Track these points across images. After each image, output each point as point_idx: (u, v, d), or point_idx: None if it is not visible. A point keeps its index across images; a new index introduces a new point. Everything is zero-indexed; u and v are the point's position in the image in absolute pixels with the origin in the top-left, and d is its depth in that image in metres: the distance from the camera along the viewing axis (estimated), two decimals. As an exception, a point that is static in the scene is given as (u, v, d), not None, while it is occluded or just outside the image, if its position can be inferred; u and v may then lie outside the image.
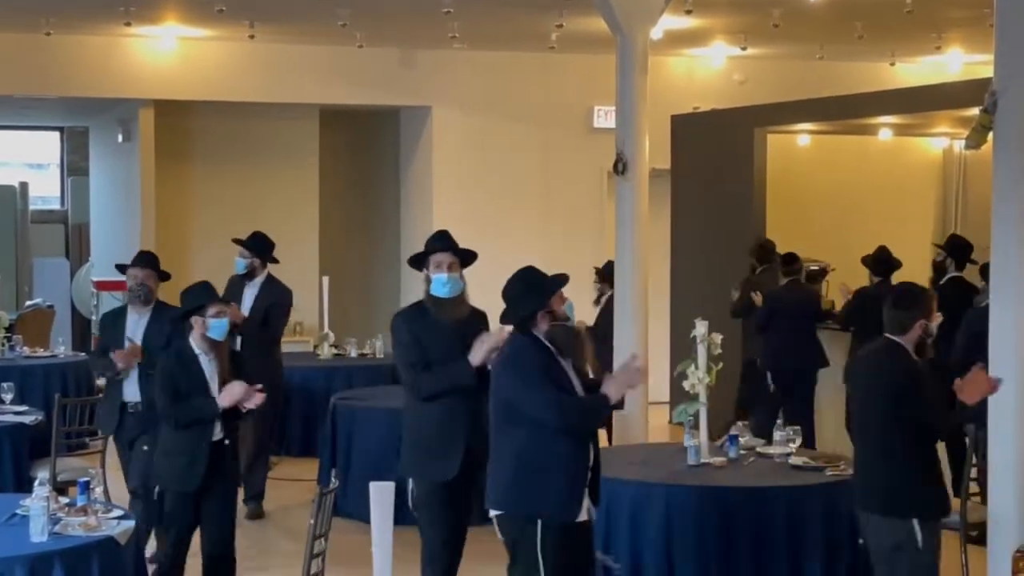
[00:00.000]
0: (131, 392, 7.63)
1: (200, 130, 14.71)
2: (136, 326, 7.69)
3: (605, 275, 10.91)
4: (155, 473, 6.48)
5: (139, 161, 14.01)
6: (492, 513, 5.47)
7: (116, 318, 7.85)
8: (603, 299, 11.02)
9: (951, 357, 8.17)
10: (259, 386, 6.37)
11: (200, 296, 6.45)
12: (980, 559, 6.65)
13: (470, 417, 6.11)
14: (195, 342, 6.39)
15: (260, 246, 9.67)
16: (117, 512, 5.64)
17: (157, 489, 6.40)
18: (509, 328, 5.62)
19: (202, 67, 13.67)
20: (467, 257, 6.46)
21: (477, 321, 6.36)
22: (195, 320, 6.36)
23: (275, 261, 9.80)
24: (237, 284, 9.64)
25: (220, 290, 7.06)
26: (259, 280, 9.61)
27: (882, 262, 10.60)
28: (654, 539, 6.28)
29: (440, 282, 6.24)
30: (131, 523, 5.52)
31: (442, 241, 6.43)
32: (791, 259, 11.04)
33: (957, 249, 9.95)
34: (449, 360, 6.13)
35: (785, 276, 10.99)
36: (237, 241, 9.75)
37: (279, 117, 14.69)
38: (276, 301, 9.52)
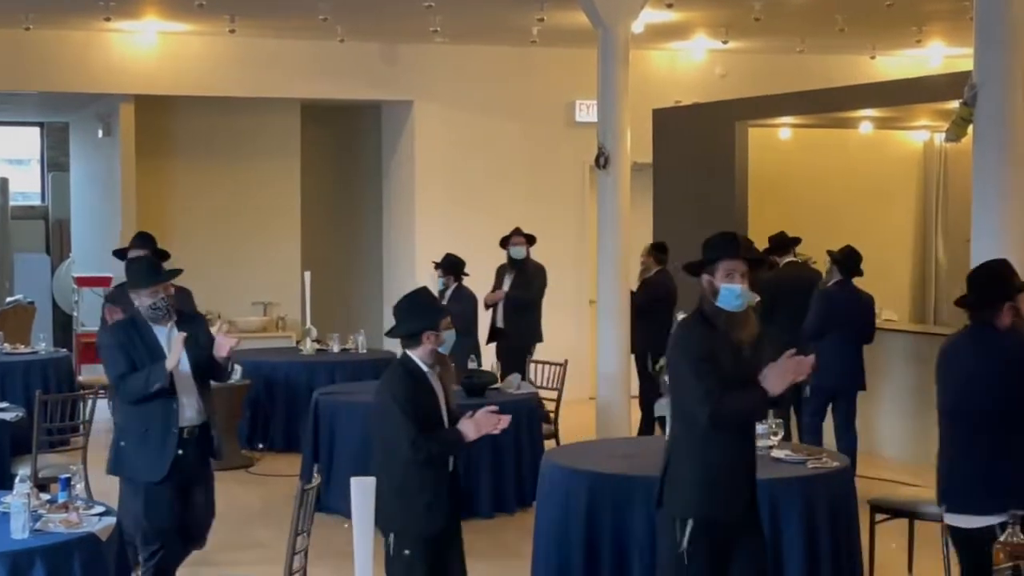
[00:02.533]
0: (189, 415, 6.56)
1: (181, 125, 14.67)
2: (167, 338, 6.73)
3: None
4: (401, 524, 5.55)
5: (120, 156, 13.97)
6: None
7: (131, 331, 6.69)
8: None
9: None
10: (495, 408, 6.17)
11: (431, 313, 5.80)
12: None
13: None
14: (422, 357, 5.71)
15: None
16: (98, 509, 5.63)
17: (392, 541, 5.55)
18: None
19: (182, 62, 13.62)
20: (755, 265, 5.50)
21: (762, 341, 5.39)
22: (427, 336, 5.70)
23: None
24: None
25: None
26: None
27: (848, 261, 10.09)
28: (638, 532, 6.28)
29: (733, 293, 5.16)
30: (112, 519, 5.50)
31: (733, 246, 5.34)
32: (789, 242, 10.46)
33: (849, 259, 9.62)
34: (740, 383, 5.10)
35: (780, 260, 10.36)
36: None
37: (260, 112, 14.66)
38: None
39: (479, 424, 5.77)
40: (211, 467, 6.78)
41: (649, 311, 10.67)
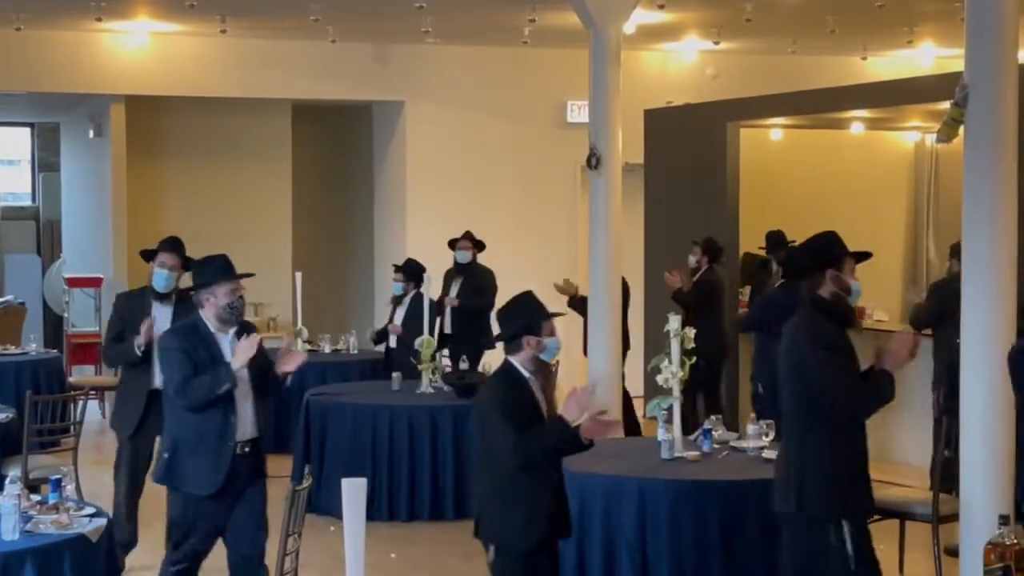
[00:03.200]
0: (244, 428, 6.31)
1: (172, 125, 14.65)
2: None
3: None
4: None
5: (110, 157, 13.94)
6: None
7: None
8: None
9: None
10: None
11: (532, 317, 5.51)
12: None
13: None
14: (523, 363, 5.41)
15: None
16: (89, 510, 5.62)
17: None
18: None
19: (173, 62, 13.60)
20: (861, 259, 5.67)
21: None
22: (528, 341, 5.40)
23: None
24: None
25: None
26: None
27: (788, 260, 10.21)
28: (628, 533, 6.28)
29: (858, 288, 5.47)
30: (103, 520, 5.49)
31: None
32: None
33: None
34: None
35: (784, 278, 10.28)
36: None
37: (251, 112, 14.64)
38: None
39: (579, 401, 5.25)
40: (264, 484, 6.30)
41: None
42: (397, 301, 11.02)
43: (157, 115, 14.51)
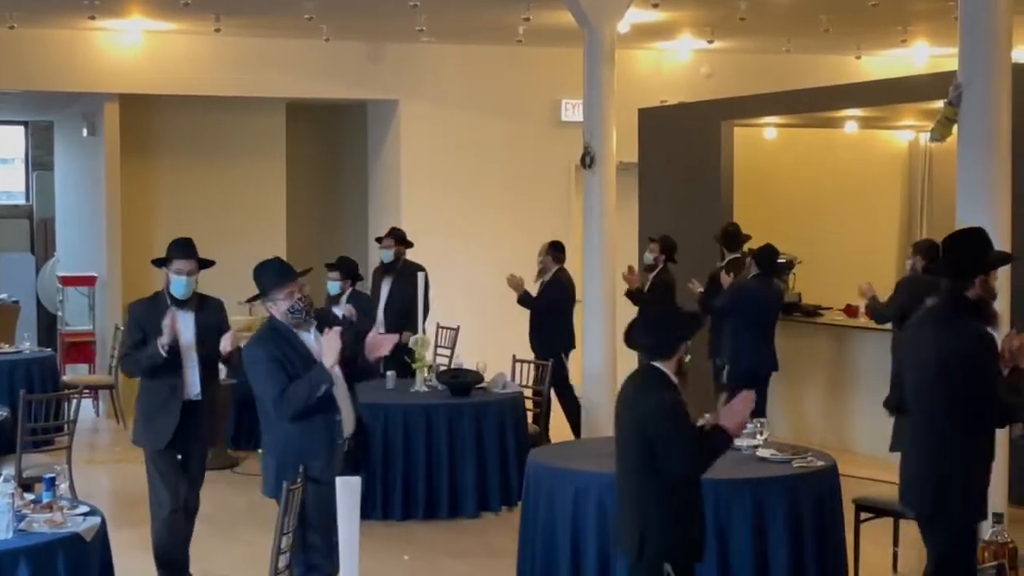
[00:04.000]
0: (347, 426, 6.21)
1: (166, 124, 14.64)
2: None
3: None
4: None
5: (104, 155, 13.92)
6: None
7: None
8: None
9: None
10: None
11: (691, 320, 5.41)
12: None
13: None
14: (671, 370, 5.15)
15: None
16: (83, 508, 5.61)
17: None
18: None
19: (167, 61, 13.59)
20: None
21: None
22: (684, 347, 5.22)
23: None
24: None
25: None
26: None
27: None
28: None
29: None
30: (97, 519, 5.49)
31: None
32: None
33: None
34: None
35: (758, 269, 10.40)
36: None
37: (245, 111, 14.63)
38: None
39: (740, 410, 5.04)
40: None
41: (550, 312, 10.83)
42: (334, 300, 10.51)
43: (151, 114, 14.50)
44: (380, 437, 9.03)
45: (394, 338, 6.38)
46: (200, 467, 7.21)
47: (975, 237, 5.33)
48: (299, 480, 5.60)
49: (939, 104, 6.59)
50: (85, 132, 14.68)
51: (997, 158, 6.36)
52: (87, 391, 13.15)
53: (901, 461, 5.53)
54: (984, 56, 6.35)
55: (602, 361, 10.28)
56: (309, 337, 6.02)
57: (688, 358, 5.22)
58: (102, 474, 10.96)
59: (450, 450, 9.04)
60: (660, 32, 13.52)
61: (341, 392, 6.01)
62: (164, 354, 6.89)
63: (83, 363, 14.07)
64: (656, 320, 5.28)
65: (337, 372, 5.92)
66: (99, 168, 14.15)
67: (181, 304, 7.05)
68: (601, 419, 10.19)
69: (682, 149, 12.95)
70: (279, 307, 6.01)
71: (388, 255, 11.24)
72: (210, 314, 7.15)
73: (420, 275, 10.46)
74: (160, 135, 14.65)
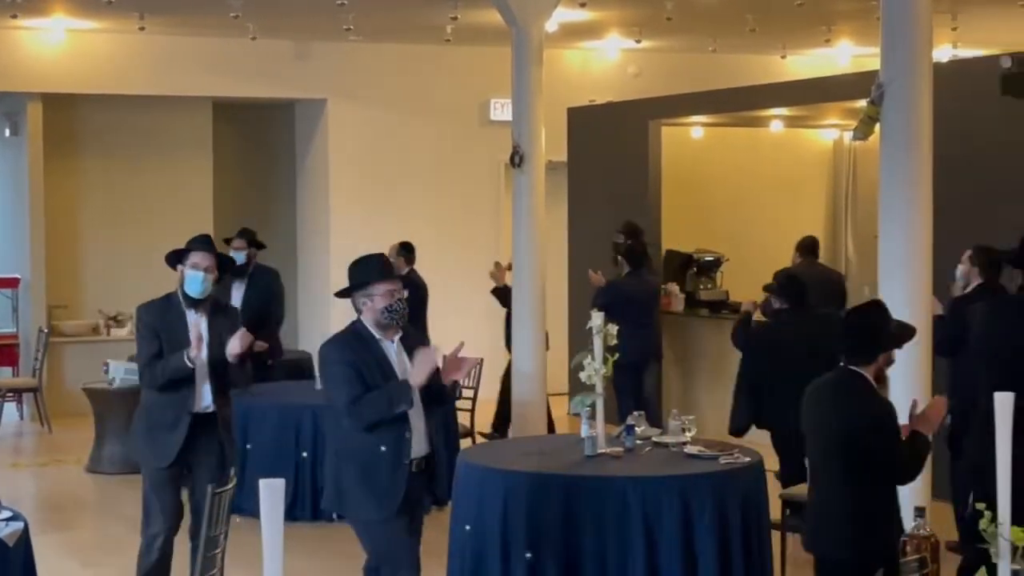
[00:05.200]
0: (418, 445, 5.81)
1: (90, 124, 14.46)
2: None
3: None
4: None
5: (27, 156, 13.73)
6: None
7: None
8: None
9: None
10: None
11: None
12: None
13: None
14: (872, 375, 5.16)
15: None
16: (6, 514, 5.53)
17: None
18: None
19: (91, 60, 13.45)
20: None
21: None
22: (885, 356, 5.18)
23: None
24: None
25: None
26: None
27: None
28: (552, 530, 6.29)
29: None
30: (20, 524, 5.41)
31: None
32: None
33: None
34: None
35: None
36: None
37: (171, 110, 14.49)
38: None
39: (930, 417, 5.08)
40: (428, 510, 6.04)
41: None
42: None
43: (75, 113, 14.32)
44: (310, 438, 8.99)
45: (474, 361, 5.95)
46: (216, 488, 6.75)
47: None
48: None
49: (862, 103, 6.66)
50: (8, 132, 14.46)
51: (918, 156, 6.44)
52: (10, 394, 13.01)
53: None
54: (905, 55, 6.42)
55: (532, 361, 10.30)
56: (391, 347, 5.60)
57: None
58: (26, 478, 10.82)
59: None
60: (588, 32, 13.57)
61: (415, 408, 5.61)
62: (191, 366, 6.31)
63: (6, 366, 13.87)
64: (860, 325, 5.22)
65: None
66: (22, 168, 13.95)
67: (195, 304, 6.46)
68: (532, 418, 10.21)
69: (611, 148, 13.01)
70: (375, 304, 5.54)
71: (240, 257, 10.41)
72: (226, 319, 6.59)
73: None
74: (84, 135, 14.48)
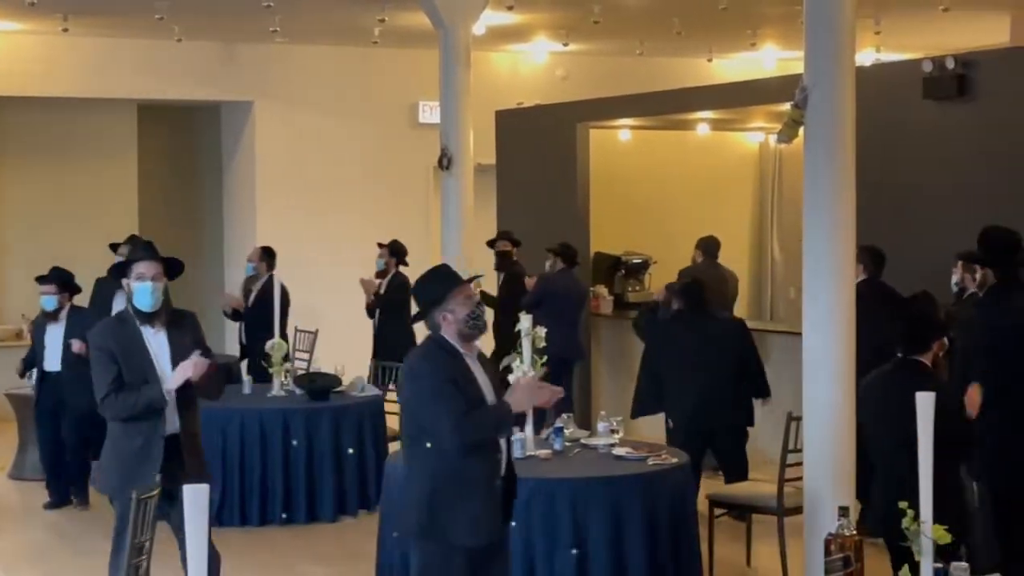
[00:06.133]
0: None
1: (11, 126, 14.26)
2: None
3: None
4: None
5: (-52, 158, 13.54)
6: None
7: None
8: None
9: None
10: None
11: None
12: (798, 543, 6.84)
13: None
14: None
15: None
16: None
17: None
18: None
19: (14, 62, 13.26)
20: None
21: None
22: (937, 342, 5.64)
23: None
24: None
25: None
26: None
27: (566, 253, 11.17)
28: (481, 533, 6.28)
29: None
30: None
31: None
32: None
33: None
34: None
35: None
36: None
37: (95, 113, 14.33)
38: None
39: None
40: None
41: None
42: (51, 317, 9.53)
43: (-3, 115, 14.13)
44: (237, 442, 8.93)
45: (557, 392, 5.29)
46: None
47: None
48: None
49: (787, 106, 6.71)
50: (-73, 134, 14.25)
51: (842, 159, 6.50)
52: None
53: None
54: (828, 59, 6.49)
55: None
56: (474, 361, 5.13)
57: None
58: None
59: (308, 455, 8.97)
60: (515, 34, 13.59)
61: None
62: (168, 400, 5.81)
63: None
64: (915, 316, 5.57)
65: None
66: (-58, 171, 13.75)
67: (150, 319, 5.88)
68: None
69: (539, 151, 13.04)
70: (457, 315, 5.05)
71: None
72: (185, 331, 6.00)
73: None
74: (7, 137, 14.27)
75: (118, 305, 9.87)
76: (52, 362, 9.45)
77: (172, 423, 5.90)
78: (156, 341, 5.88)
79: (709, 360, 8.38)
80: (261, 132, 14.30)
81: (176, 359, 5.85)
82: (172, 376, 5.81)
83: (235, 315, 11.43)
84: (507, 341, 11.00)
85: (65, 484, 9.60)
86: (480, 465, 5.01)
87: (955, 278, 7.83)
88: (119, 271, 6.00)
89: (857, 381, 6.18)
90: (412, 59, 14.01)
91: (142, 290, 5.86)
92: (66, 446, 9.51)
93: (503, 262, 11.70)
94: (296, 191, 14.31)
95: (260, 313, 10.51)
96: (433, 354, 5.05)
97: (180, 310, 6.06)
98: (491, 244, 11.80)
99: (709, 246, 11.28)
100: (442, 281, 5.15)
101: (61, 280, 9.47)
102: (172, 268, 6.01)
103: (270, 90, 14.24)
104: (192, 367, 5.79)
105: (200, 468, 6.03)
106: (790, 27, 12.24)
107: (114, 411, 5.84)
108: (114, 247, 10.29)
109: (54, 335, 9.41)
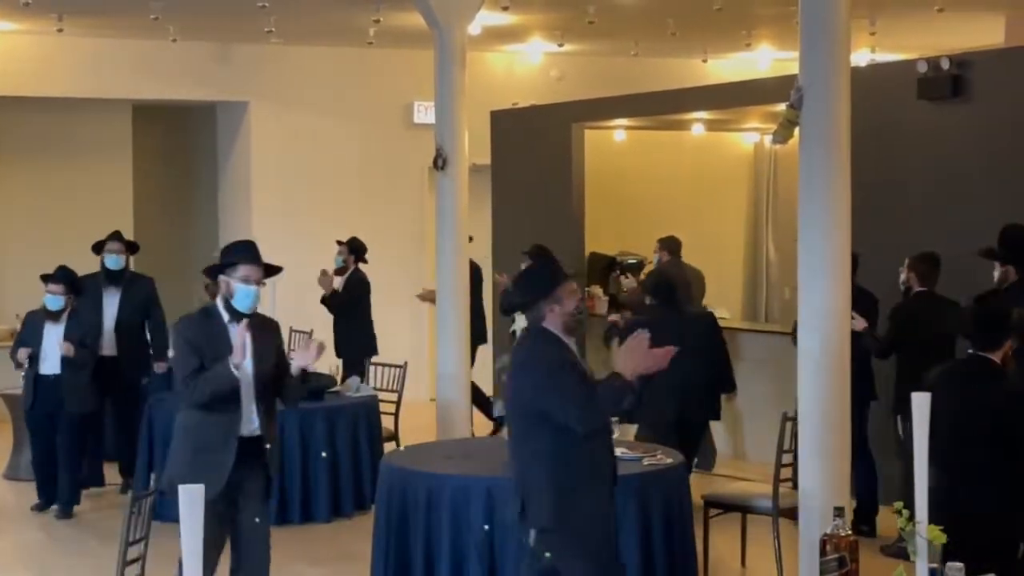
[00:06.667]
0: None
1: (6, 127, 14.25)
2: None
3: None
4: None
5: (-57, 159, 13.52)
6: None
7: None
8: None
9: None
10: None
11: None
12: (792, 543, 6.84)
13: None
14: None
15: None
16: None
17: None
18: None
19: (9, 62, 13.24)
20: None
21: None
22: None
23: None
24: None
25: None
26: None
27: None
28: (476, 533, 6.29)
29: None
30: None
31: None
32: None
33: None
34: None
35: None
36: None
37: (90, 113, 14.32)
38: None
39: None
40: None
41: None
42: (54, 317, 9.38)
43: (-9, 116, 14.12)
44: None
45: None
46: (263, 522, 6.00)
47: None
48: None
49: (782, 107, 6.71)
50: (-78, 134, 14.24)
51: (837, 159, 6.51)
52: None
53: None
54: (824, 59, 6.49)
55: (455, 362, 10.28)
56: (573, 350, 5.11)
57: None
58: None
59: (303, 455, 8.97)
60: (511, 35, 13.59)
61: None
62: (236, 374, 5.74)
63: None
64: (987, 313, 5.66)
65: None
66: (-63, 172, 13.74)
67: (239, 318, 5.88)
68: (455, 419, 10.20)
69: (534, 151, 13.04)
70: (565, 307, 5.02)
71: (117, 261, 9.88)
72: (268, 336, 6.02)
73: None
74: (2, 137, 14.26)
75: (108, 304, 9.86)
76: (51, 365, 9.28)
77: (251, 424, 5.88)
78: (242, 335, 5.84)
79: (684, 355, 8.39)
80: (256, 132, 14.29)
81: (258, 357, 5.84)
82: (246, 353, 5.75)
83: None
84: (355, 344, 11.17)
85: (55, 488, 9.35)
86: (600, 459, 5.03)
87: (902, 277, 8.28)
88: (219, 269, 5.95)
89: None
90: (407, 59, 14.01)
91: (245, 292, 5.88)
92: (60, 449, 9.32)
93: None
94: (291, 191, 14.30)
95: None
96: (543, 343, 5.03)
97: (263, 316, 6.05)
98: None
99: (672, 245, 11.41)
100: (553, 274, 5.15)
101: (69, 280, 9.33)
102: (268, 272, 6.04)
103: (265, 90, 14.23)
104: (316, 350, 5.89)
105: (270, 474, 5.96)
106: (785, 27, 12.25)
107: (190, 395, 5.84)
108: (97, 247, 10.09)
109: (53, 337, 9.27)
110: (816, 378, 6.41)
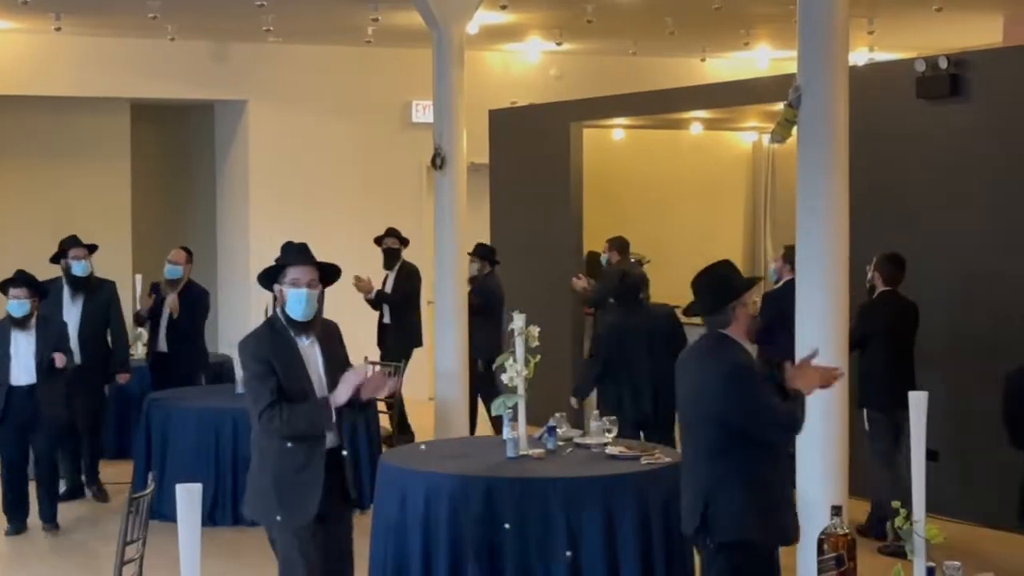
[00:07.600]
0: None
1: (4, 126, 14.24)
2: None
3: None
4: None
5: (-60, 157, 13.52)
6: None
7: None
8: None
9: None
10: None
11: None
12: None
13: None
14: None
15: None
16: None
17: None
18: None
19: (7, 61, 13.25)
20: None
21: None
22: None
23: None
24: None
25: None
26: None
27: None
28: (474, 532, 6.29)
29: None
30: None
31: None
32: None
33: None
34: None
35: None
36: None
37: (88, 112, 14.32)
38: None
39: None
40: None
41: (481, 312, 10.91)
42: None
43: (-11, 114, 14.12)
44: (230, 442, 8.92)
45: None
46: (348, 536, 5.64)
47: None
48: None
49: (780, 106, 6.73)
50: (-80, 133, 14.24)
51: (835, 158, 6.52)
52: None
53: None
54: (822, 58, 6.50)
55: (454, 361, 10.29)
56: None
57: None
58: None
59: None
60: (509, 34, 13.59)
61: None
62: (332, 425, 5.33)
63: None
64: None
65: None
66: (-66, 171, 13.73)
67: (304, 329, 5.38)
68: (453, 418, 10.21)
69: (532, 150, 13.04)
70: (750, 310, 5.04)
71: (83, 267, 9.58)
72: (335, 342, 5.55)
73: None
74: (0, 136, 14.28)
75: (67, 308, 9.50)
76: (23, 375, 8.61)
77: (331, 436, 5.42)
78: (311, 353, 5.39)
79: (654, 350, 8.47)
80: (254, 131, 14.29)
81: (330, 373, 5.36)
82: (338, 390, 5.29)
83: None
84: (404, 339, 11.20)
85: (26, 509, 8.78)
86: (785, 459, 5.10)
87: (869, 275, 8.43)
88: (270, 276, 5.44)
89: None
90: (405, 58, 14.00)
91: (295, 297, 5.34)
92: (37, 462, 8.76)
93: (391, 260, 11.62)
94: (289, 190, 14.30)
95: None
96: (740, 353, 4.97)
97: (326, 320, 5.57)
98: (378, 241, 11.73)
99: (622, 245, 11.55)
100: (742, 277, 5.15)
101: (31, 283, 8.74)
102: (328, 274, 5.50)
103: (263, 89, 14.22)
104: (360, 377, 5.31)
105: (361, 492, 5.73)
106: (783, 26, 12.26)
107: (273, 427, 5.28)
108: (57, 257, 9.74)
109: (23, 345, 8.62)
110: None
